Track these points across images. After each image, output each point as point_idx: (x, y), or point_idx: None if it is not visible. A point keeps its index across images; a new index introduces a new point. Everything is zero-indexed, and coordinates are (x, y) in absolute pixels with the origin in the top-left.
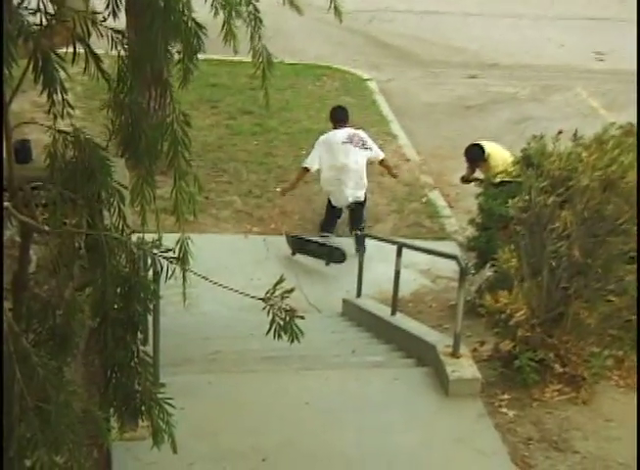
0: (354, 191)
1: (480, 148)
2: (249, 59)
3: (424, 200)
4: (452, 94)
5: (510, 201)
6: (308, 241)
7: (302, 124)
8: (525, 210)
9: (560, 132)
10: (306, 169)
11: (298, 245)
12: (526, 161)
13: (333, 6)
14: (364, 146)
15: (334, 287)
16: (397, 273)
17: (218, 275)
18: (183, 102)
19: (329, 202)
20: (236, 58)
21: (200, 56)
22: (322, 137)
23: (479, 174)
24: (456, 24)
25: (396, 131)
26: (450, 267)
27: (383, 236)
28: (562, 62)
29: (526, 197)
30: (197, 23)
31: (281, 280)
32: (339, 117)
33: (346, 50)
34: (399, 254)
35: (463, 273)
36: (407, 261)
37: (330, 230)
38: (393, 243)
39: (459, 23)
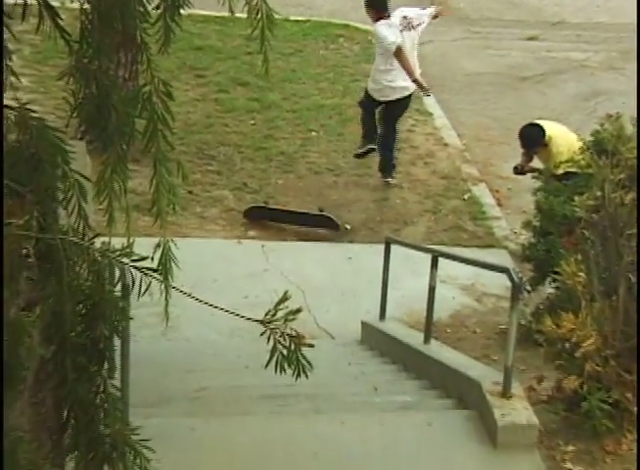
0: (406, 82)
1: (540, 129)
2: (244, 15)
3: (466, 196)
4: (504, 61)
5: (577, 198)
6: (285, 212)
7: (311, 100)
8: (596, 209)
9: (638, 119)
10: (400, 48)
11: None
12: (599, 147)
13: None
14: (413, 26)
15: (351, 306)
16: (432, 290)
17: (205, 291)
18: (161, 70)
19: (368, 99)
20: (228, 14)
21: (183, 11)
22: (380, 28)
23: (537, 164)
24: None
25: (432, 108)
26: (500, 283)
27: (413, 242)
28: None
29: (598, 193)
30: None
31: (284, 298)
32: (380, 6)
33: None
34: (435, 265)
35: (516, 290)
36: (445, 275)
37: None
38: (427, 251)
39: None
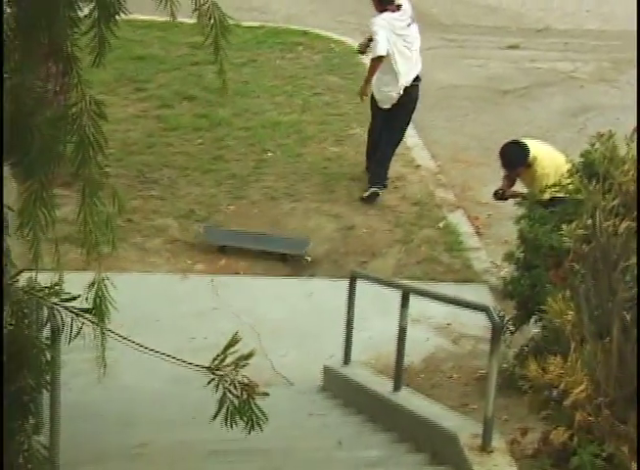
0: (408, 76)
1: (524, 148)
2: (190, 20)
3: (441, 225)
4: (482, 72)
5: (565, 227)
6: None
7: (267, 116)
8: (586, 240)
9: (638, 128)
10: (381, 58)
11: (230, 239)
12: (589, 169)
13: None
14: (414, 18)
15: (311, 349)
16: (403, 330)
17: (146, 332)
18: (96, 83)
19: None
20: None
21: (119, 17)
22: (379, 20)
23: (520, 187)
24: None
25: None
26: (479, 322)
27: (382, 277)
28: None
29: (589, 221)
30: None
31: (234, 341)
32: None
33: (331, 8)
34: (406, 302)
35: (497, 331)
36: (417, 314)
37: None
38: (397, 287)
39: None
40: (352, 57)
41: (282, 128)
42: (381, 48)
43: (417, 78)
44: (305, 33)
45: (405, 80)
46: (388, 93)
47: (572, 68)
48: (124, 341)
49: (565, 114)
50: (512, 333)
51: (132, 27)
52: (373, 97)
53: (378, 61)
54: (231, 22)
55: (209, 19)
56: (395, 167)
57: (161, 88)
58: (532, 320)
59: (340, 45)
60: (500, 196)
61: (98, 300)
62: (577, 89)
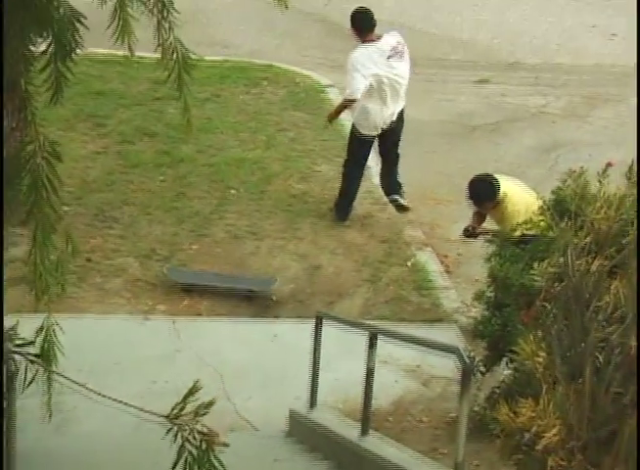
0: (394, 107)
1: (494, 182)
2: (152, 54)
3: (409, 263)
4: (451, 107)
5: (536, 266)
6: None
7: (230, 152)
8: (558, 279)
9: (609, 165)
10: (353, 101)
11: (196, 278)
12: (560, 207)
13: None
14: (403, 52)
15: (277, 393)
16: (371, 372)
17: (106, 375)
18: (54, 119)
19: (357, 135)
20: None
21: (78, 51)
22: (358, 56)
23: (490, 225)
24: (457, 4)
25: (370, 162)
26: (449, 364)
27: (349, 317)
28: (613, 60)
29: (560, 260)
30: (73, 11)
31: (195, 388)
32: (365, 25)
33: (296, 42)
34: (373, 344)
35: (467, 373)
36: (385, 355)
37: (358, 174)
38: (365, 328)
39: (462, 1)
40: (318, 92)
41: (246, 165)
42: (355, 90)
43: (401, 112)
44: (270, 68)
45: (390, 113)
46: (370, 122)
47: (544, 103)
48: (80, 387)
49: (536, 150)
50: (483, 375)
51: (91, 62)
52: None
53: (349, 102)
54: (193, 56)
55: (172, 54)
56: (363, 205)
57: (122, 124)
58: (504, 361)
59: (305, 80)
60: (470, 233)
61: (46, 345)
62: (549, 125)
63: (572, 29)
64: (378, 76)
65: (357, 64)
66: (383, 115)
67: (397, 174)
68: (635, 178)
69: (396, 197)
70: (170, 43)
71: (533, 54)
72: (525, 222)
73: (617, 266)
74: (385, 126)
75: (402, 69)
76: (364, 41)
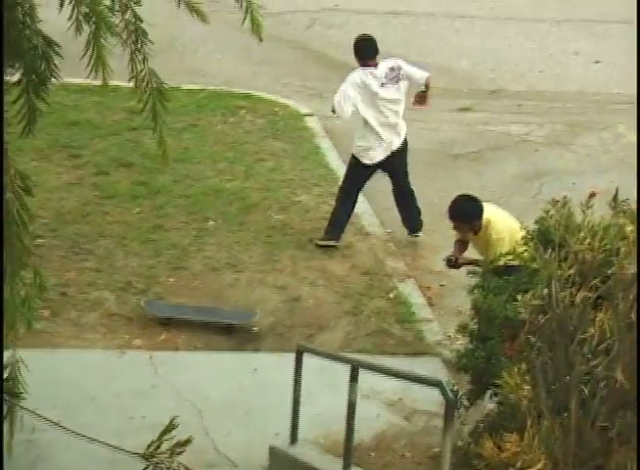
0: (392, 137)
1: (477, 202)
2: (128, 83)
3: (391, 295)
4: (434, 136)
5: (520, 297)
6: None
7: (208, 183)
8: (542, 311)
9: (593, 195)
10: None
11: (175, 311)
12: (544, 237)
13: (249, 16)
14: (399, 77)
15: (257, 428)
16: (352, 406)
17: (81, 411)
18: (28, 149)
19: (356, 162)
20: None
21: (53, 81)
22: (355, 77)
23: (473, 255)
24: (439, 31)
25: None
26: (432, 397)
27: (330, 350)
28: (596, 87)
29: (545, 291)
30: (46, 40)
31: (171, 426)
32: (367, 53)
33: (275, 70)
34: (355, 377)
35: (450, 407)
36: (367, 389)
37: (352, 200)
38: (346, 361)
39: (443, 29)
40: (297, 121)
41: (224, 196)
42: (340, 109)
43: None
44: (248, 96)
45: (386, 143)
46: (368, 152)
47: (526, 131)
48: (62, 421)
49: (519, 178)
50: (466, 408)
51: (67, 92)
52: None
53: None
54: (169, 86)
55: (146, 85)
56: (344, 236)
57: (97, 155)
58: (488, 395)
59: (284, 108)
60: (453, 263)
61: (10, 382)
62: (532, 153)
63: (555, 56)
64: (366, 101)
65: (348, 82)
66: (380, 142)
67: (419, 211)
68: (620, 207)
69: (419, 234)
70: (144, 75)
71: (516, 81)
72: (509, 253)
73: (601, 297)
74: (384, 156)
75: (394, 94)
76: (363, 66)
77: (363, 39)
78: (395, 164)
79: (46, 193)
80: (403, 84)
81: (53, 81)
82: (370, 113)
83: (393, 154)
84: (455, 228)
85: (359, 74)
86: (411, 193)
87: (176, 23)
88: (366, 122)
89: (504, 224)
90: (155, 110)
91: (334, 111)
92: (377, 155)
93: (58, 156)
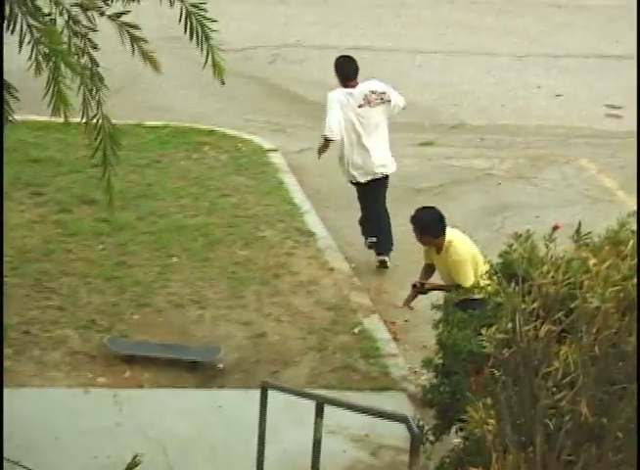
0: (382, 159)
1: (441, 215)
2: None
3: (356, 330)
4: (396, 171)
5: (484, 331)
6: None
7: (172, 219)
8: (506, 344)
9: (556, 228)
10: (329, 140)
11: (139, 349)
12: (508, 271)
13: (210, 59)
14: (382, 99)
15: (222, 465)
16: (318, 443)
17: (45, 451)
18: None
19: (357, 186)
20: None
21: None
22: (334, 96)
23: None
24: (400, 66)
25: (314, 227)
26: (398, 432)
27: (295, 387)
28: (558, 121)
29: (509, 325)
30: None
31: (133, 464)
32: (348, 72)
33: (238, 105)
34: (320, 413)
35: (416, 442)
36: (333, 425)
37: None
38: (311, 397)
39: (405, 63)
40: (261, 156)
41: (188, 232)
42: (328, 129)
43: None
44: (212, 132)
45: (376, 157)
46: (359, 170)
47: (489, 164)
48: (17, 464)
49: (482, 212)
50: (432, 443)
51: (28, 129)
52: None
53: (326, 141)
54: (133, 121)
55: (98, 133)
56: (308, 271)
57: (60, 192)
58: (453, 430)
59: (247, 144)
60: (419, 289)
61: None
62: (495, 187)
63: (517, 90)
64: (347, 120)
65: (331, 102)
66: (369, 158)
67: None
68: (582, 241)
69: (385, 258)
70: (97, 121)
71: (478, 115)
72: (474, 286)
73: (565, 331)
74: (375, 175)
75: (372, 116)
76: (343, 86)
77: (343, 58)
78: (383, 191)
79: (8, 231)
80: (383, 108)
81: (12, 120)
82: (349, 133)
83: (382, 178)
84: (417, 238)
85: (337, 92)
86: (387, 217)
87: (134, 57)
88: (350, 143)
89: (465, 247)
90: (105, 154)
91: (326, 137)
92: (367, 172)
93: (20, 193)
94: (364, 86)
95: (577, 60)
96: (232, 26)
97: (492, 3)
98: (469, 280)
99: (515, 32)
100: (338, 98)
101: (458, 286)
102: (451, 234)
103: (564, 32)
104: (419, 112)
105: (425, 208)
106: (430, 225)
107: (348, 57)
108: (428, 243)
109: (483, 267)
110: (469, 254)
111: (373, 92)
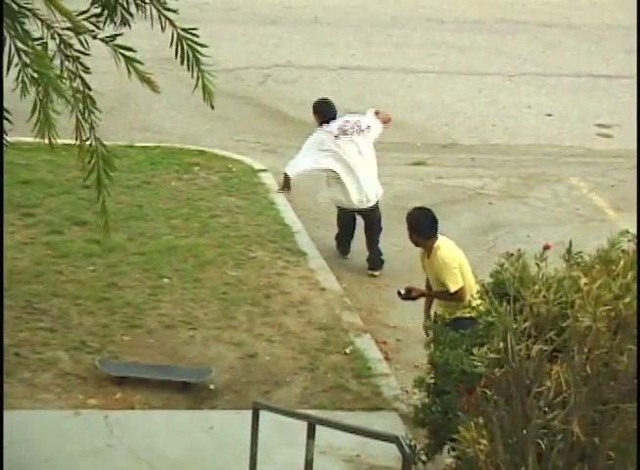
0: (372, 186)
1: (434, 219)
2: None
3: (348, 350)
4: (387, 190)
5: (476, 351)
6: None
7: (163, 240)
8: (498, 364)
9: (547, 248)
10: (287, 177)
11: (130, 370)
12: (499, 290)
13: (200, 83)
14: (361, 129)
15: None
16: (309, 464)
17: None
18: None
19: (340, 210)
20: (60, 141)
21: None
22: (312, 138)
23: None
24: (392, 86)
25: (305, 247)
26: (390, 452)
27: (286, 407)
28: (549, 140)
29: (500, 345)
30: None
31: None
32: (326, 114)
33: (229, 126)
34: (311, 434)
35: (407, 462)
36: (325, 445)
37: (348, 244)
38: (302, 418)
39: (396, 83)
40: (251, 177)
41: (178, 253)
42: (291, 166)
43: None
44: (202, 153)
45: (363, 186)
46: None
47: (480, 184)
48: None
49: (474, 232)
50: (424, 463)
51: (18, 151)
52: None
53: (286, 180)
54: (124, 142)
55: (92, 156)
56: (300, 291)
57: (50, 213)
58: (445, 449)
59: (238, 165)
60: (407, 295)
61: None
62: (486, 206)
63: (508, 110)
64: (330, 155)
65: (306, 144)
66: (356, 187)
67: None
68: (573, 260)
69: (376, 273)
70: (90, 144)
71: (469, 135)
72: (465, 306)
73: (557, 350)
74: (364, 204)
75: (351, 145)
76: (320, 124)
77: (319, 101)
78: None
79: None
80: (362, 135)
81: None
82: (335, 163)
83: (372, 208)
84: (409, 236)
85: (315, 135)
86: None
87: (131, 79)
88: (335, 176)
89: (454, 253)
90: (99, 177)
91: (285, 174)
92: (353, 200)
93: (10, 215)
94: (339, 119)
95: (568, 79)
96: (223, 47)
97: (483, 23)
98: (456, 284)
99: (505, 52)
100: (315, 138)
101: (444, 292)
102: (442, 239)
103: (554, 52)
104: (410, 131)
105: (421, 208)
106: (422, 225)
107: (325, 101)
108: (417, 243)
109: (471, 279)
110: (456, 260)
111: (347, 121)
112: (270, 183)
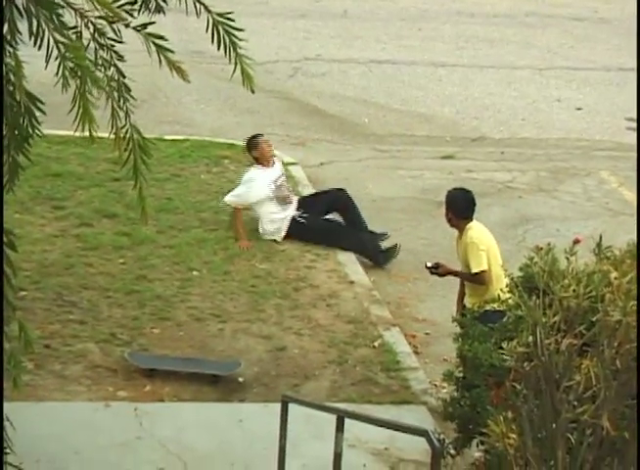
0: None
1: (472, 199)
2: (109, 134)
3: (376, 344)
4: (417, 183)
5: (505, 345)
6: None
7: (192, 233)
8: (527, 358)
9: (577, 242)
10: (237, 211)
11: (159, 363)
12: (529, 284)
13: (239, 68)
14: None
15: None
16: (338, 457)
17: (65, 466)
18: (11, 202)
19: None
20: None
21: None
22: (248, 175)
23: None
24: (421, 79)
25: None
26: (419, 446)
27: (315, 400)
28: (579, 134)
29: (530, 339)
30: (29, 95)
31: None
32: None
33: (258, 119)
34: (340, 427)
35: (436, 456)
36: (353, 438)
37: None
38: (331, 411)
39: (426, 76)
40: None
41: (208, 245)
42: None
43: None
44: (232, 146)
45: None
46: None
47: (510, 178)
48: None
49: (503, 225)
50: (453, 457)
51: (49, 144)
52: None
53: (236, 213)
54: (154, 135)
55: (128, 142)
56: (328, 284)
57: (80, 206)
58: (474, 443)
59: None
60: (434, 270)
61: None
62: (515, 200)
63: (538, 103)
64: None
65: (247, 181)
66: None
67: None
68: (603, 254)
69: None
70: (126, 131)
71: (499, 128)
72: (494, 300)
73: (587, 344)
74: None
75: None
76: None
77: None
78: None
79: (29, 245)
80: None
81: (37, 135)
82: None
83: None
84: (445, 214)
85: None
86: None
87: (160, 73)
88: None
89: (484, 237)
90: (136, 165)
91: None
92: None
93: (41, 208)
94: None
95: (598, 73)
96: (253, 41)
97: (513, 16)
98: (478, 265)
99: (535, 45)
100: (252, 176)
101: (468, 273)
102: (476, 223)
103: (584, 45)
104: (440, 125)
105: (462, 188)
106: (459, 204)
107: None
108: (451, 222)
109: (499, 269)
110: (485, 243)
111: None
112: (299, 176)
